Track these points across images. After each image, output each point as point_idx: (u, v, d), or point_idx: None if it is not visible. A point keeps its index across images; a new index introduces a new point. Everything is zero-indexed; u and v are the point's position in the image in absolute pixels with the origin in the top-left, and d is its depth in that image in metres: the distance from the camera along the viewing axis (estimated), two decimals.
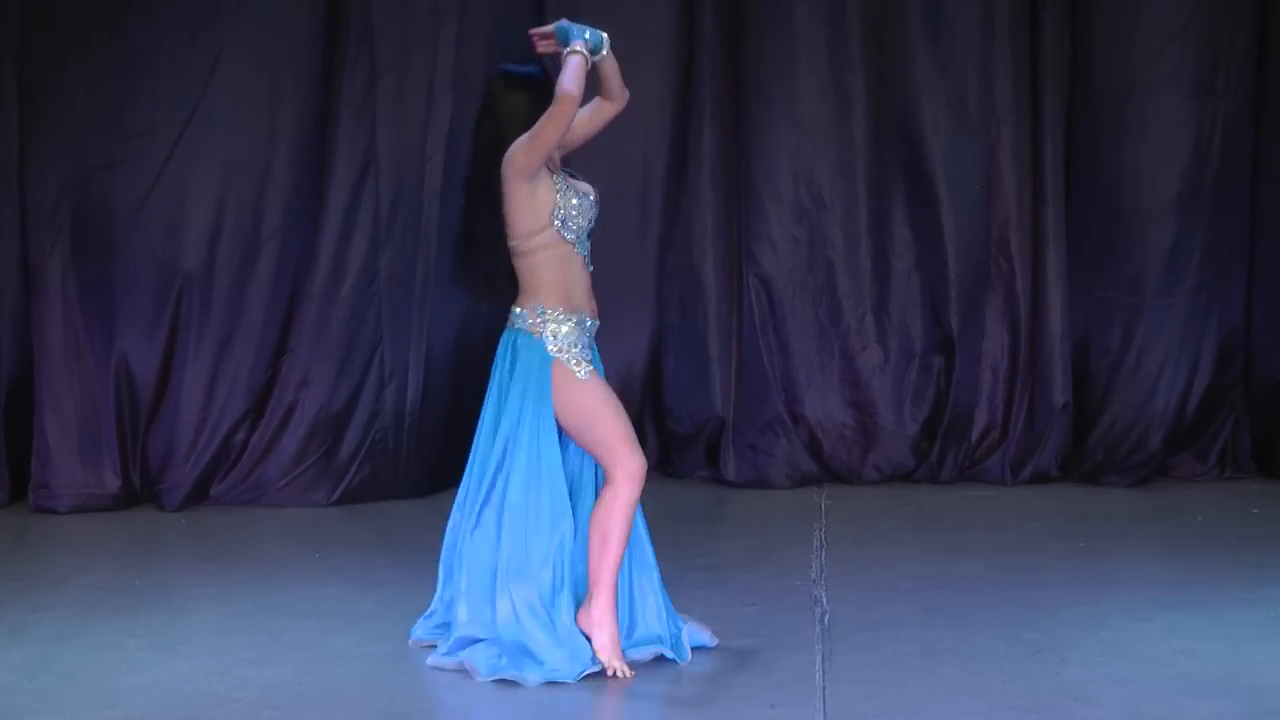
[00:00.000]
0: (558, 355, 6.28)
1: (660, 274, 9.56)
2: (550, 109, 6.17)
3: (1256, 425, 9.48)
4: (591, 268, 6.40)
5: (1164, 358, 9.37)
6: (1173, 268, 9.33)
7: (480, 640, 6.29)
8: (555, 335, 6.29)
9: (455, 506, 6.49)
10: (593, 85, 6.33)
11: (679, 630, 6.45)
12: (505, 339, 6.38)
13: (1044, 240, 9.36)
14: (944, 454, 9.41)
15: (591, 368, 6.33)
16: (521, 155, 6.22)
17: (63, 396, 8.87)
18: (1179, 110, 9.28)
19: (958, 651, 6.49)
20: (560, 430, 6.33)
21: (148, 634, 6.79)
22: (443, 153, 8.92)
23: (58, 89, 8.84)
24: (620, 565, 6.30)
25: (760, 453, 9.39)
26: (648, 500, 6.49)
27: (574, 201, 6.29)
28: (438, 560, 6.54)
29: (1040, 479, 9.37)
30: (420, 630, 6.59)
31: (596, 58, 6.29)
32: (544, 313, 6.30)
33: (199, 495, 8.98)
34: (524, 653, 6.21)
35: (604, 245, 6.70)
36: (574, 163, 6.58)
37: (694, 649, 6.45)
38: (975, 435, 9.46)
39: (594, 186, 6.43)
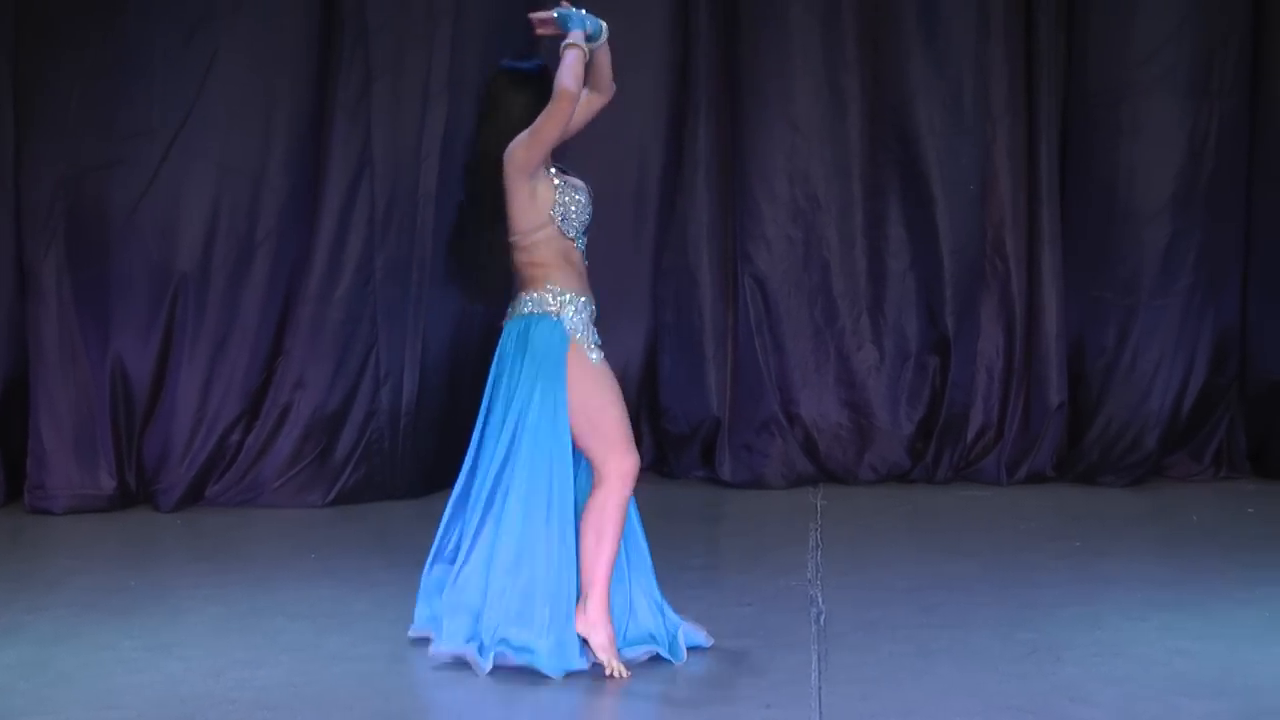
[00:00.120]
0: (574, 337, 6.27)
1: (655, 274, 9.55)
2: (549, 106, 6.16)
3: (1252, 425, 9.48)
4: (587, 262, 6.40)
5: (1159, 358, 9.37)
6: (1168, 268, 9.33)
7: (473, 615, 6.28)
8: (573, 316, 6.27)
9: (452, 503, 6.48)
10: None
11: (675, 630, 6.44)
12: (510, 329, 6.33)
13: (1039, 240, 9.36)
14: (939, 454, 9.40)
15: (602, 354, 6.33)
16: (522, 152, 6.22)
17: (58, 398, 8.86)
18: (1174, 110, 9.28)
19: (953, 651, 6.49)
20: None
21: (143, 635, 6.78)
22: (438, 155, 8.92)
23: (53, 90, 8.83)
24: (614, 565, 6.30)
25: (756, 453, 9.39)
26: (643, 501, 6.49)
27: (573, 198, 6.29)
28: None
29: (1036, 479, 9.37)
30: (422, 608, 6.56)
31: (594, 45, 6.26)
32: (562, 294, 6.29)
33: (194, 496, 8.97)
34: (510, 640, 6.22)
35: (599, 245, 6.68)
36: (567, 159, 6.58)
37: (689, 649, 6.44)
38: (971, 435, 9.46)
39: (587, 184, 6.43)
